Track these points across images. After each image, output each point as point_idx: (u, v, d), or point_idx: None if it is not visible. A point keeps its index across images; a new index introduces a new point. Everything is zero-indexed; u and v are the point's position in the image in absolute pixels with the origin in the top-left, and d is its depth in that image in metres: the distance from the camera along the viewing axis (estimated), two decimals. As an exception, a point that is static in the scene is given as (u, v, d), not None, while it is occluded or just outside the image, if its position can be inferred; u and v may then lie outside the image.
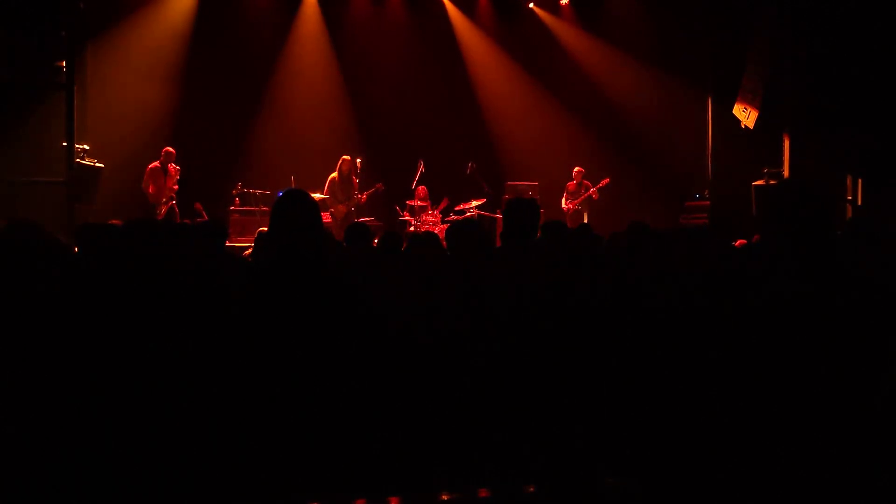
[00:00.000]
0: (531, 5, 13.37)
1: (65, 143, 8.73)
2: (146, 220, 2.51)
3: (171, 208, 9.96)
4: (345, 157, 10.53)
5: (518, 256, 3.24)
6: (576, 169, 11.51)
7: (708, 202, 10.77)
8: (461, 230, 3.63)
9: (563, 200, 11.51)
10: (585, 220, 11.14)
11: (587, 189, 11.37)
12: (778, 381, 2.02)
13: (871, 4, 7.56)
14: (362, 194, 10.56)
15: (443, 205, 11.25)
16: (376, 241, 5.25)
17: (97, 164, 9.48)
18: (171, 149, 10.03)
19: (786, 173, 8.89)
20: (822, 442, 1.94)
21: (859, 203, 7.85)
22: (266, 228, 3.01)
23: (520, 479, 2.32)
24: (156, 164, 9.92)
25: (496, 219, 11.30)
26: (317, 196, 10.13)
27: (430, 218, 11.00)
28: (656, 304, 2.58)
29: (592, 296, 2.77)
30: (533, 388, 2.45)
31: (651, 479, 2.27)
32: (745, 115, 9.22)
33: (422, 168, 11.23)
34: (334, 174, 10.48)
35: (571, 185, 11.51)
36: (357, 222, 9.17)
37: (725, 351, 2.17)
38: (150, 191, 9.86)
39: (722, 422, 2.11)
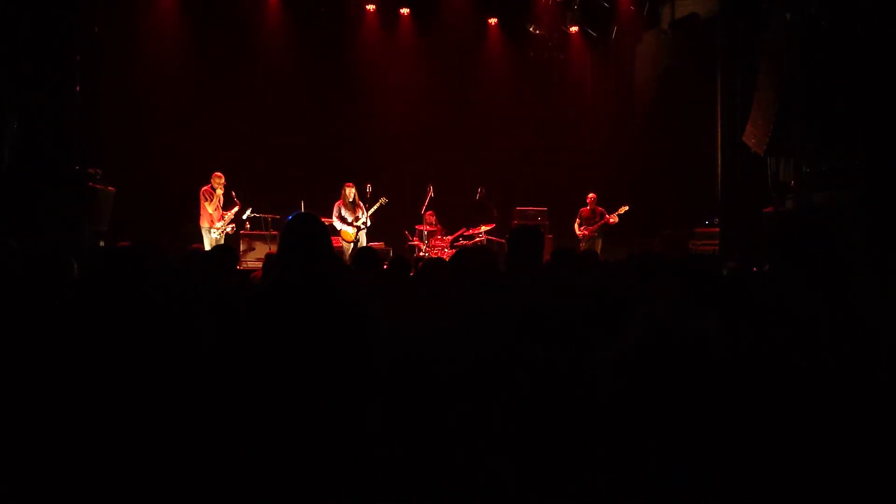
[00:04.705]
0: (538, 32, 13.49)
1: (77, 167, 8.79)
2: (150, 243, 2.52)
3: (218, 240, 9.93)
4: (347, 183, 10.50)
5: (522, 282, 3.23)
6: (590, 195, 11.51)
7: (717, 229, 10.75)
8: (469, 256, 3.62)
9: (577, 227, 11.51)
10: (600, 247, 11.14)
11: (601, 215, 11.37)
12: (788, 410, 2.00)
13: (881, 30, 7.57)
14: (368, 215, 10.49)
15: (458, 233, 11.25)
16: (385, 266, 5.24)
17: (109, 188, 9.55)
18: (218, 173, 10.07)
19: (796, 200, 8.85)
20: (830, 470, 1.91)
21: (870, 230, 7.79)
22: (275, 251, 3.02)
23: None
24: (207, 186, 10.00)
25: (504, 244, 11.29)
26: (325, 221, 10.14)
27: (438, 243, 11.00)
28: (665, 330, 2.55)
29: (598, 321, 2.75)
30: (538, 416, 2.43)
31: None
32: (755, 143, 9.21)
33: (431, 193, 11.25)
34: (339, 202, 10.47)
35: (585, 210, 11.52)
36: (365, 247, 9.17)
37: (735, 380, 2.15)
38: (200, 211, 9.95)
39: (728, 454, 2.08)
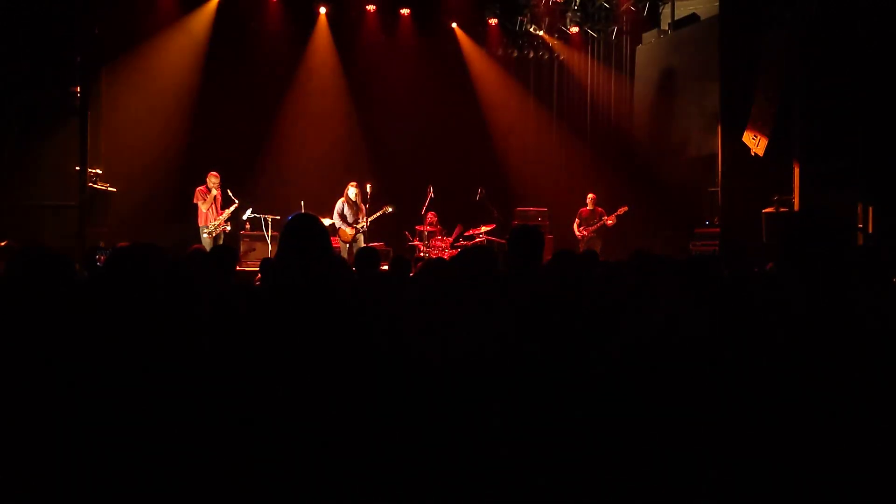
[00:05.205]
0: (541, 33, 13.50)
1: (78, 167, 8.80)
2: (151, 244, 2.51)
3: (216, 239, 9.97)
4: (351, 182, 10.50)
5: (522, 282, 3.23)
6: (589, 196, 11.53)
7: (718, 229, 10.74)
8: (471, 255, 3.63)
9: (576, 227, 11.51)
10: (599, 247, 11.15)
11: (601, 216, 11.38)
12: (788, 412, 2.00)
13: (881, 30, 7.57)
14: (367, 219, 10.47)
15: (456, 233, 11.25)
16: (385, 265, 5.25)
17: (109, 188, 9.56)
18: (214, 173, 10.06)
19: (796, 201, 8.85)
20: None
21: (870, 230, 7.80)
22: (271, 256, 3.02)
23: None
24: (202, 186, 10.01)
25: (504, 244, 11.29)
26: (325, 221, 10.14)
27: (439, 243, 11.00)
28: (665, 331, 2.56)
29: (598, 321, 2.75)
30: (538, 415, 2.43)
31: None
32: (755, 143, 9.21)
33: (431, 193, 11.26)
34: (342, 199, 10.48)
35: (584, 211, 11.53)
36: (366, 247, 9.18)
37: (735, 380, 2.15)
38: (199, 212, 9.99)
39: (728, 454, 2.08)
